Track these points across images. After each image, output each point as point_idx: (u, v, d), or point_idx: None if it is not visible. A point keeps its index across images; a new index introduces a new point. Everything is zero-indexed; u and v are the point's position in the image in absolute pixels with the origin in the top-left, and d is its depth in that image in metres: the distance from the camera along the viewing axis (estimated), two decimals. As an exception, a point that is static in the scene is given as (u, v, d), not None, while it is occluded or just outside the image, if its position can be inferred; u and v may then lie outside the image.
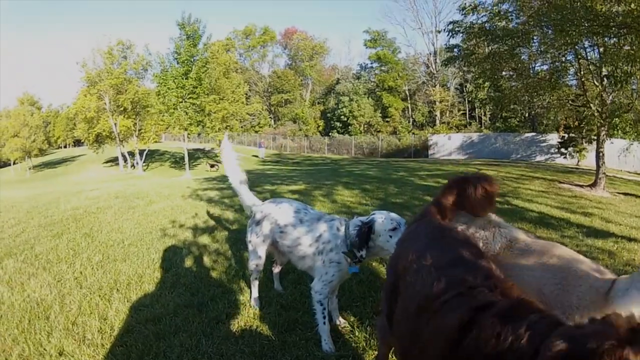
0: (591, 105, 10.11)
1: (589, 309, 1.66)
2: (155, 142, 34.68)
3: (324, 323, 2.45)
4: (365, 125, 40.07)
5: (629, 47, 7.58)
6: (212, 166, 26.10)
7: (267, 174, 14.78)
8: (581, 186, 11.70)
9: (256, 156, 30.42)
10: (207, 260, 4.09)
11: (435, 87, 39.44)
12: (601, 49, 8.84)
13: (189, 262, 4.04)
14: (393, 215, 2.41)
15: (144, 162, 30.88)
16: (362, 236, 2.34)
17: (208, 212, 6.30)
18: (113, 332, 2.67)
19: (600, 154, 10.51)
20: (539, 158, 25.48)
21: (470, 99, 38.11)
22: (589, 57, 10.03)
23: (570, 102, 11.52)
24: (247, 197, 3.07)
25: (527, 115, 30.16)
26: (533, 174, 14.84)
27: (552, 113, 13.94)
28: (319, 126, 44.36)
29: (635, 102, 9.46)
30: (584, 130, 15.82)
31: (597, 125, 10.43)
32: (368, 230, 2.35)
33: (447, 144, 29.90)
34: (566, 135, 20.19)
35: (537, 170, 16.58)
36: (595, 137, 11.36)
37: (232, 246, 4.50)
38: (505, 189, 10.24)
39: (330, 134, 40.91)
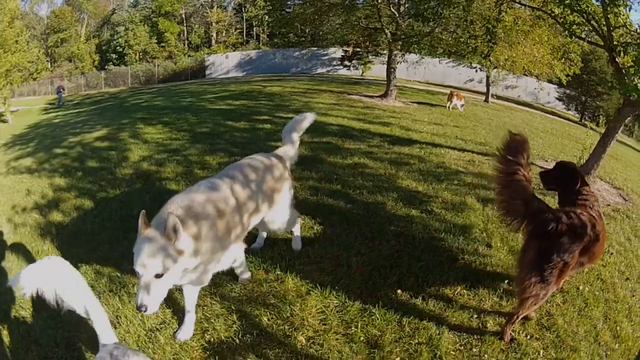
0: (385, 30, 11.26)
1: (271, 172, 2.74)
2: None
3: None
4: (141, 54, 37.75)
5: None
6: None
7: (58, 124, 12.95)
8: (371, 97, 12.40)
9: (53, 103, 24.84)
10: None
11: (212, 8, 38.76)
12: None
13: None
14: None
15: None
16: None
17: (38, 185, 5.67)
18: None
19: (392, 69, 11.97)
20: (320, 70, 26.33)
21: (247, 18, 38.16)
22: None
23: (360, 23, 12.42)
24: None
25: (307, 31, 31.68)
26: (319, 87, 15.27)
27: (340, 33, 14.69)
28: (94, 61, 39.70)
29: (436, 31, 10.84)
30: (372, 46, 15.85)
31: (389, 49, 11.75)
32: None
33: (224, 63, 29.57)
34: (350, 49, 21.21)
35: (322, 83, 17.10)
36: (386, 52, 12.63)
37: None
38: (296, 104, 10.73)
39: (106, 67, 37.51)
